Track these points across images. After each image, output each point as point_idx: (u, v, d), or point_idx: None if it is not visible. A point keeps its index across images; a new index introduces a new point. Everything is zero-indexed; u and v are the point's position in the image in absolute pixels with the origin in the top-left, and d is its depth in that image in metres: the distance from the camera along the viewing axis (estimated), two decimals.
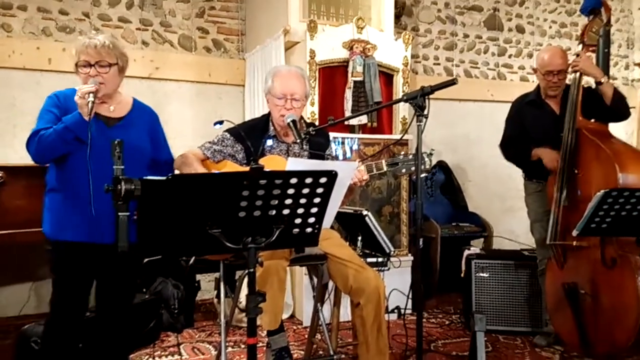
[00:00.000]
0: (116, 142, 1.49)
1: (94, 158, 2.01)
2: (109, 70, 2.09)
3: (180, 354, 3.08)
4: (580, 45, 2.99)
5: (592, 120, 3.04)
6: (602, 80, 2.92)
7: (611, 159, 2.69)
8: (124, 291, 2.28)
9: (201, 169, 2.35)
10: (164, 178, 1.43)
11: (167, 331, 3.40)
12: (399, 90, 3.98)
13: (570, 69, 2.94)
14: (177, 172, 2.40)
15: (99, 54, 2.07)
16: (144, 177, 1.47)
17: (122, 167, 1.48)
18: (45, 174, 2.20)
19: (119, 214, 1.46)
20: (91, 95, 1.94)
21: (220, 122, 2.39)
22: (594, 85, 3.09)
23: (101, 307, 2.29)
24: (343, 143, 3.78)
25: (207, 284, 4.25)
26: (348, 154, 3.78)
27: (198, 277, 3.81)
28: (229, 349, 3.16)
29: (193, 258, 3.48)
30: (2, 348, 3.16)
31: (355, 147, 3.80)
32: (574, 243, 2.78)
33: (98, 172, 2.00)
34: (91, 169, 2.02)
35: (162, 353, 3.11)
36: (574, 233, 2.36)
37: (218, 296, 3.81)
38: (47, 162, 2.11)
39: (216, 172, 2.29)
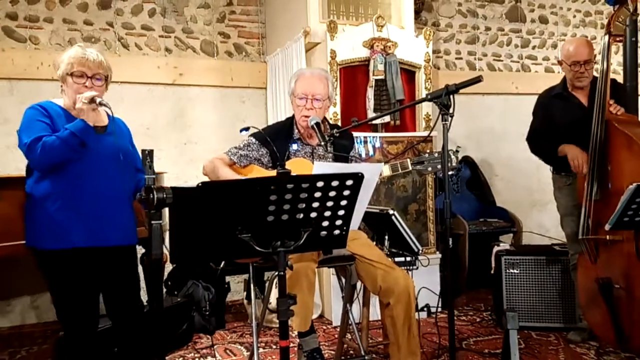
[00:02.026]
0: (147, 151, 1.52)
1: (93, 163, 2.08)
2: (103, 84, 2.17)
3: (214, 356, 3.13)
4: (607, 36, 2.92)
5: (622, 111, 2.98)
6: None
7: None
8: (131, 295, 2.30)
9: (232, 174, 2.39)
10: (194, 186, 1.46)
11: (199, 333, 3.46)
12: (421, 87, 3.96)
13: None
14: (207, 178, 2.45)
15: (97, 67, 2.12)
16: (175, 186, 1.50)
17: (154, 176, 1.51)
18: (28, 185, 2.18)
19: (152, 222, 1.49)
20: (97, 99, 2.02)
21: (247, 129, 2.43)
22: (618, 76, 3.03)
23: (112, 315, 2.30)
24: (366, 142, 3.78)
25: (236, 285, 4.30)
26: (371, 153, 3.77)
27: (227, 278, 3.86)
28: (261, 350, 3.20)
29: (223, 262, 3.52)
30: (41, 353, 3.26)
31: (378, 145, 3.80)
32: (607, 237, 2.72)
33: (97, 177, 2.08)
34: (91, 174, 2.08)
35: (196, 355, 3.16)
36: (607, 227, 2.32)
37: (248, 297, 3.86)
38: (48, 168, 2.08)
39: (244, 177, 2.32)
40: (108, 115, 2.17)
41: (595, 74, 3.03)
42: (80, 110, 2.02)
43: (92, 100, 2.02)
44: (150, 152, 1.55)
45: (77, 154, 2.04)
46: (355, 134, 3.26)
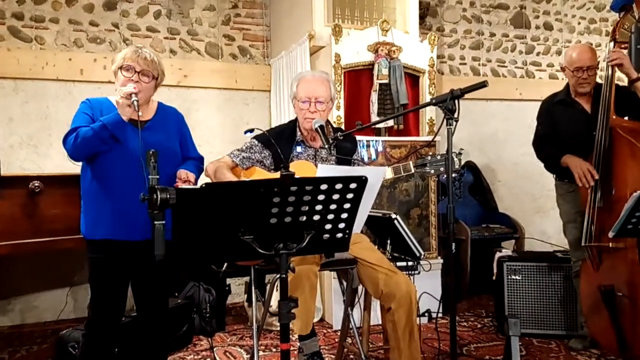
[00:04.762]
0: (151, 152, 1.53)
1: (126, 158, 2.13)
2: (149, 82, 2.22)
3: (213, 358, 3.12)
4: (612, 43, 2.92)
5: (626, 118, 2.97)
6: (638, 76, 2.85)
7: None
8: (159, 291, 2.33)
9: (231, 177, 2.39)
10: (197, 187, 1.46)
11: (199, 335, 3.45)
12: (425, 91, 3.96)
13: (610, 63, 2.86)
14: (209, 180, 2.44)
15: (147, 64, 2.21)
16: (180, 187, 1.50)
17: (157, 176, 1.51)
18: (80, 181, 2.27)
19: (155, 222, 1.49)
20: (133, 95, 2.06)
21: (251, 131, 2.43)
22: (623, 83, 3.02)
23: (140, 309, 2.34)
24: (369, 146, 3.77)
25: (237, 288, 4.29)
26: (374, 157, 3.77)
27: (228, 281, 3.86)
28: (261, 352, 3.19)
29: (225, 264, 3.52)
30: (40, 352, 3.25)
31: (381, 149, 3.79)
32: (610, 244, 2.72)
33: (130, 172, 2.11)
34: (125, 168, 2.12)
35: (195, 357, 3.15)
36: (610, 234, 2.31)
37: (248, 300, 3.85)
38: (82, 159, 2.20)
39: (248, 179, 2.32)
40: (159, 107, 2.27)
41: (599, 80, 3.03)
42: (117, 103, 2.09)
43: (129, 96, 2.07)
44: (155, 152, 1.56)
45: (108, 146, 2.10)
46: (358, 137, 3.25)
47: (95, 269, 2.22)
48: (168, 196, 1.46)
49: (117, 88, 2.17)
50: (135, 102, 2.06)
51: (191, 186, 2.12)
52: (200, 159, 2.45)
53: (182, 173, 2.19)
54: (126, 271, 2.25)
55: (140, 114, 2.21)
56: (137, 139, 2.11)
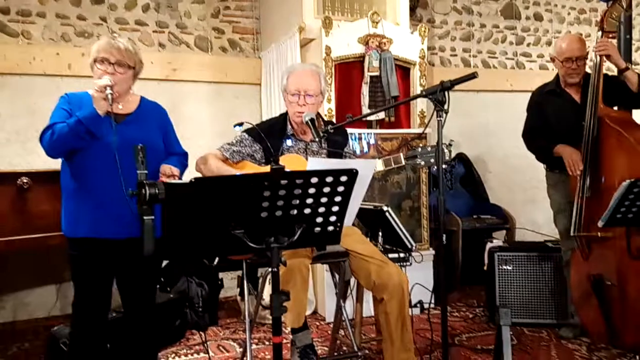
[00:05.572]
0: (139, 146, 1.51)
1: (105, 154, 2.06)
2: (126, 72, 2.16)
3: (206, 352, 3.12)
4: (600, 32, 2.93)
5: (615, 108, 2.99)
6: (626, 66, 2.87)
7: (635, 148, 2.64)
8: (145, 288, 2.30)
9: (227, 168, 2.38)
10: (187, 181, 1.45)
11: (192, 329, 3.45)
12: (416, 83, 3.96)
13: (598, 53, 2.88)
14: (199, 174, 2.43)
15: (121, 54, 2.14)
16: (169, 182, 1.49)
17: (146, 171, 1.50)
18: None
19: (144, 217, 1.48)
20: (108, 88, 1.99)
21: (240, 124, 2.41)
22: (612, 72, 3.03)
23: (127, 306, 2.31)
24: (360, 138, 3.77)
25: (229, 282, 4.28)
26: (365, 149, 3.77)
27: (220, 275, 3.85)
28: (254, 346, 3.19)
29: (217, 258, 3.51)
30: (32, 349, 3.24)
31: (372, 142, 3.79)
32: (599, 234, 2.73)
33: (110, 168, 2.04)
34: (103, 164, 2.06)
35: (188, 351, 3.15)
36: (600, 224, 2.33)
37: (241, 294, 3.85)
38: (59, 156, 2.14)
39: (237, 173, 2.31)
40: (142, 101, 2.21)
41: (588, 70, 3.04)
42: (93, 97, 2.02)
43: (103, 89, 2.00)
44: (143, 147, 1.54)
45: (84, 142, 2.03)
46: (349, 130, 3.25)
47: (77, 268, 2.18)
48: (157, 191, 1.45)
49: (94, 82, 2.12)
50: (110, 95, 1.98)
51: (178, 181, 2.09)
52: (185, 155, 2.38)
53: (166, 168, 2.14)
54: (109, 269, 2.20)
55: (120, 107, 2.18)
56: (118, 134, 2.05)
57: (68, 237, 2.17)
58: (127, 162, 1.98)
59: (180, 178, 2.18)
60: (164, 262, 3.71)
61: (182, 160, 2.34)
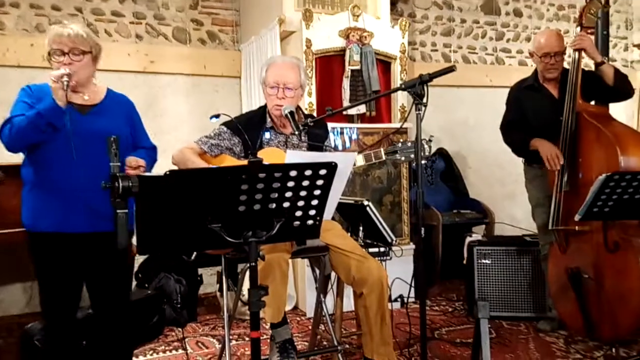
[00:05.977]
0: (112, 138, 1.47)
1: (67, 145, 1.99)
2: (83, 58, 2.07)
3: (184, 349, 3.08)
4: (579, 28, 2.96)
5: (592, 103, 3.02)
6: (602, 60, 2.90)
7: (612, 142, 2.67)
8: (116, 285, 2.22)
9: (201, 163, 2.34)
10: (161, 174, 1.41)
11: (170, 326, 3.40)
12: (396, 78, 3.96)
13: (573, 47, 2.90)
14: (175, 168, 2.38)
15: (72, 42, 2.04)
16: (142, 174, 1.45)
17: (119, 164, 1.46)
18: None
19: (118, 211, 1.44)
20: (65, 77, 1.92)
21: (217, 116, 2.37)
22: (589, 68, 3.06)
23: (96, 304, 2.24)
24: (342, 133, 3.75)
25: (209, 278, 4.24)
26: (347, 144, 3.76)
27: (200, 270, 3.81)
28: (233, 342, 3.17)
29: (195, 253, 3.47)
30: (6, 346, 3.16)
31: (354, 137, 3.78)
32: (576, 228, 2.77)
33: (71, 159, 1.99)
34: (67, 156, 1.99)
35: (166, 348, 3.11)
36: (577, 218, 2.35)
37: (221, 289, 3.81)
38: (19, 150, 2.06)
39: (214, 166, 2.27)
40: (109, 92, 2.13)
41: (566, 65, 3.06)
42: (51, 89, 1.94)
43: (59, 78, 1.93)
44: (116, 139, 1.50)
45: (45, 134, 1.96)
46: (331, 124, 3.24)
47: (41, 265, 2.09)
48: (130, 184, 1.42)
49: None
50: (66, 83, 1.91)
51: (152, 174, 2.03)
52: (154, 149, 2.32)
53: (132, 160, 2.05)
54: (76, 265, 2.12)
55: (86, 97, 2.11)
56: (80, 125, 2.00)
57: (30, 232, 2.08)
58: (95, 153, 1.93)
59: (148, 171, 2.11)
60: (142, 258, 3.67)
61: (150, 153, 2.27)
